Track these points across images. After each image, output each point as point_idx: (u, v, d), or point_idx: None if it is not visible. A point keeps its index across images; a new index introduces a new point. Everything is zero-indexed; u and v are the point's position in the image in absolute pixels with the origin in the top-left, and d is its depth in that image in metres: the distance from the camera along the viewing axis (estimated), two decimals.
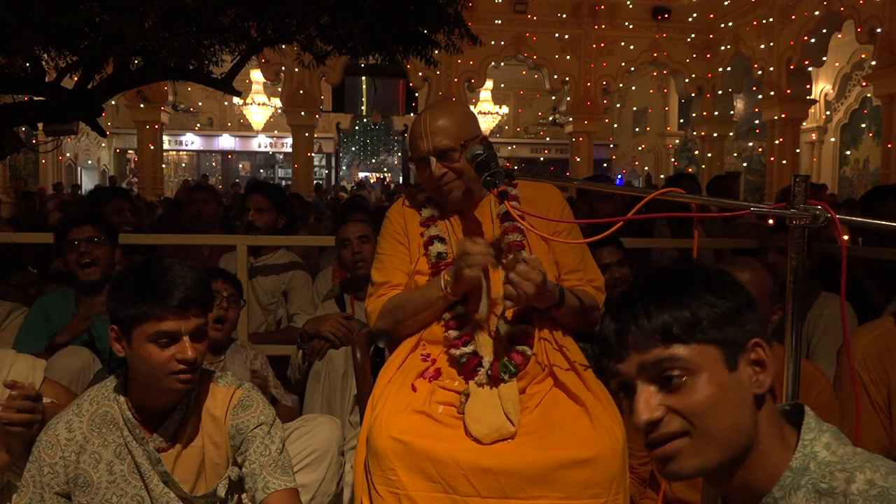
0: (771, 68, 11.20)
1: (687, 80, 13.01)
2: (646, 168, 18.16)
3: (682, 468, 0.92)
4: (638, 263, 3.89)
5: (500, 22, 12.12)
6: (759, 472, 0.93)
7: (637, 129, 19.05)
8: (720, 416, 0.90)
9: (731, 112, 13.49)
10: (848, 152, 13.44)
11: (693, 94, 13.26)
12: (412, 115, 17.88)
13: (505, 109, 18.65)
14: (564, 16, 12.39)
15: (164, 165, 13.57)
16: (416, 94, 15.00)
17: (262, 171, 21.08)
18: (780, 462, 0.93)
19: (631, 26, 12.58)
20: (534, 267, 1.65)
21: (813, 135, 13.85)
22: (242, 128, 19.05)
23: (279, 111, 14.30)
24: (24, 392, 1.65)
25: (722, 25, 12.48)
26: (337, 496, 2.13)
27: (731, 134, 13.89)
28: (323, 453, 2.04)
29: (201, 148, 20.46)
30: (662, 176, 17.01)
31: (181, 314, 1.49)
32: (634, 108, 18.94)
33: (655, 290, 0.95)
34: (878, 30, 8.87)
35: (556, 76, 12.53)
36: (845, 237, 1.31)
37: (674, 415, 0.91)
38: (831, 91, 13.46)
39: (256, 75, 14.66)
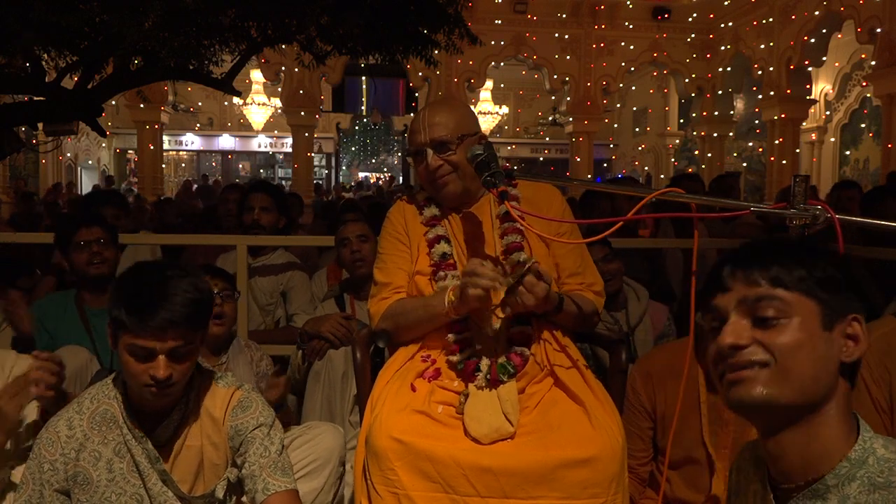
0: (771, 68, 11.19)
1: (687, 80, 13.00)
2: (646, 168, 18.15)
3: (752, 394, 0.94)
4: (648, 262, 3.90)
5: (500, 22, 12.11)
6: (818, 443, 0.94)
7: (637, 129, 19.04)
8: (802, 361, 0.93)
9: (731, 112, 13.48)
10: (848, 152, 13.43)
11: (693, 94, 13.25)
12: (412, 115, 17.86)
13: (505, 109, 18.63)
14: (564, 16, 12.38)
15: (163, 165, 13.56)
16: (416, 94, 14.98)
17: (262, 171, 21.07)
18: (839, 447, 0.94)
19: (631, 26, 12.56)
20: (540, 280, 1.64)
21: (813, 135, 13.85)
22: (242, 128, 19.04)
23: (279, 111, 14.29)
24: (52, 356, 1.75)
25: (722, 25, 12.48)
26: None
27: (731, 134, 13.87)
28: (324, 462, 2.03)
29: (201, 148, 20.45)
30: (662, 176, 17.00)
31: (158, 335, 1.46)
32: (634, 108, 18.92)
33: (775, 246, 0.99)
34: (878, 30, 8.86)
35: (556, 76, 12.52)
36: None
37: (759, 346, 0.94)
38: (831, 91, 13.45)
39: (256, 75, 14.64)
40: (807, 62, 10.62)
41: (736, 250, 1.01)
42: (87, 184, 17.69)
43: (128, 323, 1.46)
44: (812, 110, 12.35)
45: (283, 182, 17.33)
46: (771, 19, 11.19)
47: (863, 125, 12.96)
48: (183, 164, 21.13)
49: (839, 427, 0.95)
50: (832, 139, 13.75)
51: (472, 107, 14.31)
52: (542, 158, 20.71)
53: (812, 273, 0.95)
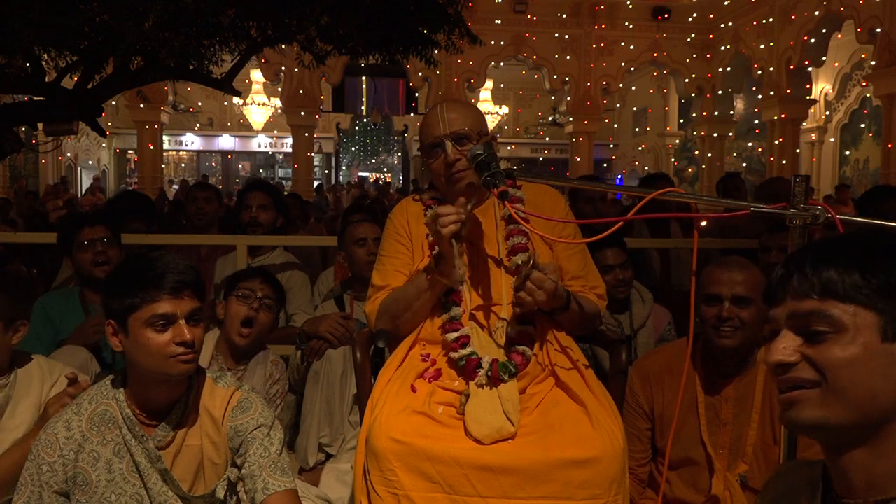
0: (771, 68, 11.19)
1: (687, 80, 13.00)
2: (646, 168, 18.14)
3: (802, 417, 0.88)
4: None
5: (500, 22, 12.11)
6: (886, 461, 0.87)
7: (637, 129, 19.05)
8: (855, 378, 0.85)
9: (731, 112, 13.48)
10: (848, 152, 13.44)
11: (693, 94, 13.25)
12: (412, 115, 17.86)
13: (505, 109, 18.63)
14: (564, 16, 12.39)
15: (163, 165, 13.56)
16: (416, 94, 14.98)
17: (261, 170, 21.07)
18: None
19: (631, 26, 12.57)
20: (547, 275, 1.66)
21: (813, 135, 13.85)
22: (242, 128, 19.04)
23: (279, 111, 14.30)
24: (80, 389, 1.74)
25: (722, 25, 12.48)
26: None
27: (731, 134, 13.88)
28: None
29: (201, 148, 20.45)
30: None
31: (175, 296, 1.51)
32: (634, 108, 18.93)
33: (833, 247, 0.91)
34: (878, 30, 8.87)
35: (556, 76, 12.52)
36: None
37: (808, 364, 0.88)
38: (831, 91, 13.46)
39: (256, 75, 14.65)
40: (807, 62, 10.63)
41: (792, 255, 0.94)
42: (86, 184, 17.67)
43: (142, 297, 1.49)
44: (812, 110, 12.36)
45: (283, 182, 17.33)
46: (771, 19, 11.19)
47: (863, 125, 12.96)
48: (183, 164, 21.13)
49: None
50: (832, 139, 13.75)
51: None
52: (542, 158, 20.70)
53: (870, 279, 0.86)
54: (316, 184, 15.21)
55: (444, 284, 1.79)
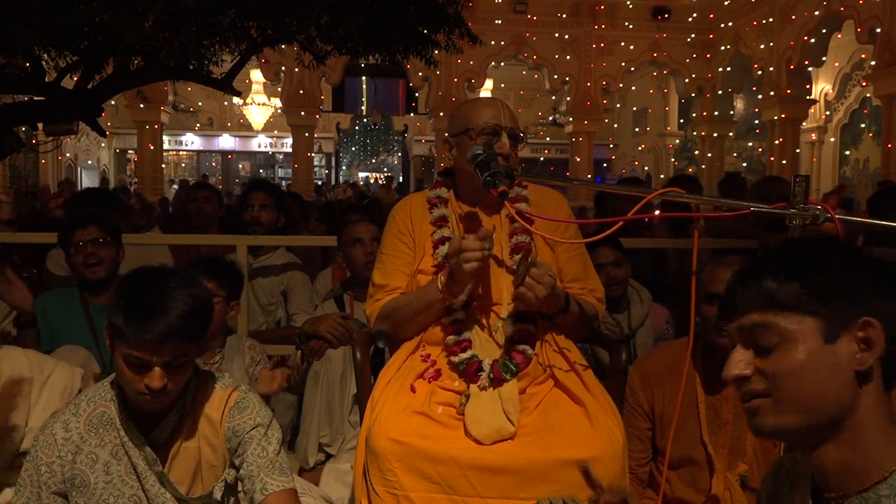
0: (771, 68, 11.19)
1: (687, 80, 13.00)
2: (646, 168, 18.15)
3: (763, 425, 0.93)
4: (652, 262, 3.88)
5: (500, 22, 12.11)
6: (859, 454, 0.90)
7: (637, 129, 19.04)
8: (802, 383, 0.89)
9: (731, 112, 13.48)
10: (848, 152, 13.44)
11: (693, 94, 13.25)
12: (412, 115, 17.87)
13: None
14: (564, 16, 12.39)
15: (163, 165, 13.55)
16: (416, 94, 14.98)
17: (261, 170, 21.07)
18: (888, 457, 0.89)
19: (631, 26, 12.57)
20: (545, 271, 1.66)
21: (813, 135, 13.85)
22: (242, 128, 19.04)
23: (279, 111, 14.30)
24: None
25: (722, 25, 12.48)
26: None
27: (731, 134, 13.88)
28: None
29: (201, 148, 20.45)
30: (662, 176, 16.99)
31: (155, 348, 1.44)
32: (634, 108, 18.92)
33: (772, 258, 0.95)
34: (878, 30, 8.86)
35: (556, 76, 12.52)
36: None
37: (760, 375, 0.92)
38: (831, 91, 13.45)
39: (256, 75, 14.65)
40: (807, 62, 10.63)
41: (740, 270, 0.98)
42: (87, 184, 17.68)
43: (125, 333, 1.44)
44: (812, 110, 12.35)
45: (283, 182, 17.34)
46: (771, 19, 11.19)
47: (863, 125, 12.96)
48: (183, 164, 21.13)
49: (879, 438, 0.90)
50: (832, 139, 13.75)
51: None
52: (542, 158, 20.68)
53: (807, 285, 0.90)
54: (316, 185, 15.22)
55: (451, 300, 1.79)
